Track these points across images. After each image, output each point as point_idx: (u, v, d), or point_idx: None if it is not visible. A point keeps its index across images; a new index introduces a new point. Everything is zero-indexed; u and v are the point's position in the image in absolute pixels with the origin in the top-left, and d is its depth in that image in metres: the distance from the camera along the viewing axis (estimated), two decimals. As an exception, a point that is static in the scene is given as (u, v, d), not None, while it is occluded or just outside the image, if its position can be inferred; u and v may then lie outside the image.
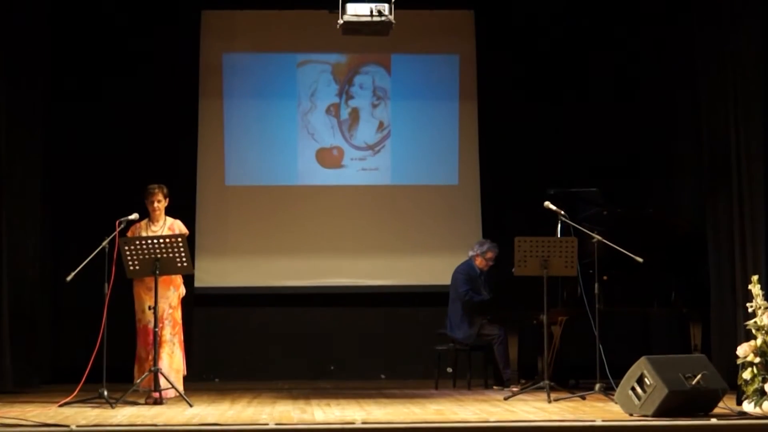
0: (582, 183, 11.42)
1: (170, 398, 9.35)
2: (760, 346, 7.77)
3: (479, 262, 11.51)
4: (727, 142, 10.31)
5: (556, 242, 9.67)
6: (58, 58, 12.32)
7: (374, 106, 13.55)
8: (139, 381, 9.28)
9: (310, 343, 13.05)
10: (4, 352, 10.59)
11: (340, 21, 9.61)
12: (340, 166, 13.46)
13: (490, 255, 11.52)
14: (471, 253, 11.59)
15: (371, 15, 9.52)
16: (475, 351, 11.43)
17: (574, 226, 10.03)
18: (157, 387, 9.10)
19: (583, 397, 9.39)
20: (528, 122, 13.05)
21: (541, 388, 9.46)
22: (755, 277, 8.08)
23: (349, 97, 13.54)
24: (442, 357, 11.63)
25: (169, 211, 9.83)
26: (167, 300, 9.59)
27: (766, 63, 9.92)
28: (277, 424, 7.19)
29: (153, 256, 9.06)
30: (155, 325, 9.19)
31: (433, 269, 12.96)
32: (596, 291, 9.54)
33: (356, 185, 13.43)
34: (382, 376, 13.02)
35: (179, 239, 9.13)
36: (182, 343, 9.75)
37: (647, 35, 12.74)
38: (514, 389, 10.23)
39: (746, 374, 7.78)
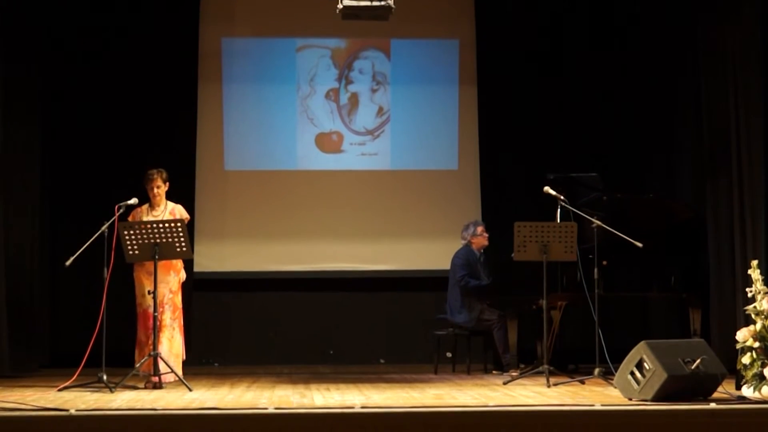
0: (582, 168, 11.41)
1: (170, 382, 9.37)
2: (760, 331, 7.77)
3: (476, 243, 11.52)
4: (727, 125, 10.29)
5: (556, 227, 9.67)
6: (55, 42, 12.31)
7: (374, 91, 13.54)
8: (138, 365, 9.30)
9: (309, 327, 13.07)
10: (1, 337, 10.58)
11: (340, 5, 9.57)
12: (339, 151, 13.45)
13: (480, 230, 11.54)
14: (464, 241, 11.59)
15: (371, 0, 9.50)
16: (475, 336, 11.43)
17: (573, 211, 10.02)
18: (156, 371, 9.12)
19: (582, 382, 9.41)
20: (528, 107, 13.06)
21: (540, 373, 9.47)
22: (755, 262, 8.08)
23: (349, 81, 13.53)
24: (442, 342, 11.64)
25: (168, 196, 9.85)
26: (167, 285, 9.60)
27: (766, 44, 9.89)
28: (276, 408, 7.19)
29: (152, 240, 9.05)
30: (155, 310, 9.20)
31: (433, 254, 12.98)
32: (596, 276, 9.54)
33: (355, 170, 13.43)
34: (382, 361, 13.04)
35: (179, 224, 9.13)
36: (182, 328, 9.77)
37: (648, 19, 12.70)
38: (514, 374, 10.23)
39: (745, 359, 7.79)
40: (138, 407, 7.39)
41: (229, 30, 13.37)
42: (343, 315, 13.19)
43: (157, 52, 12.74)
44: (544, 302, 9.55)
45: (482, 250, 11.59)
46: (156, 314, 9.21)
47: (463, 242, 11.60)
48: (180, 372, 9.41)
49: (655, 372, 7.57)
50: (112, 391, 8.55)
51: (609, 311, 10.48)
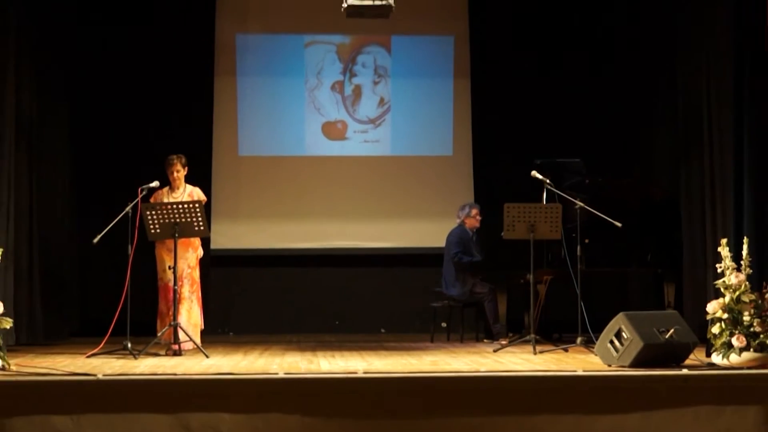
0: (566, 154, 11.39)
1: (188, 350, 9.38)
2: (728, 303, 7.76)
3: (469, 223, 11.51)
4: (700, 116, 10.28)
5: (542, 208, 9.66)
6: (82, 37, 12.29)
7: (375, 83, 13.52)
8: (160, 334, 9.31)
9: (316, 299, 13.07)
10: (35, 307, 10.61)
11: (345, 4, 9.56)
12: (343, 138, 13.44)
13: (475, 212, 11.53)
14: (459, 220, 11.59)
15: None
16: (468, 307, 11.45)
17: (558, 194, 10.00)
18: (176, 340, 9.14)
19: (566, 350, 9.41)
20: (517, 98, 13.02)
21: (527, 341, 9.47)
22: (724, 240, 8.06)
23: (353, 75, 13.51)
24: (437, 313, 11.65)
25: (188, 180, 9.84)
26: (186, 260, 9.61)
27: (737, 39, 9.85)
28: (286, 373, 7.21)
29: (172, 220, 9.06)
30: (175, 284, 9.21)
31: (429, 233, 12.99)
32: (579, 253, 9.55)
33: (359, 156, 13.42)
34: (382, 330, 13.04)
35: (197, 205, 9.13)
36: (200, 300, 9.77)
37: (628, 22, 12.64)
38: (503, 342, 10.23)
39: (715, 329, 7.78)
40: (159, 372, 7.41)
41: (243, 26, 13.34)
42: (348, 288, 13.19)
43: (177, 47, 12.68)
44: (531, 277, 9.56)
45: (474, 230, 11.59)
46: (176, 288, 9.22)
47: (458, 221, 11.59)
48: (198, 340, 9.43)
49: (632, 341, 7.58)
50: (135, 358, 8.57)
51: (590, 285, 10.45)
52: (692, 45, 10.46)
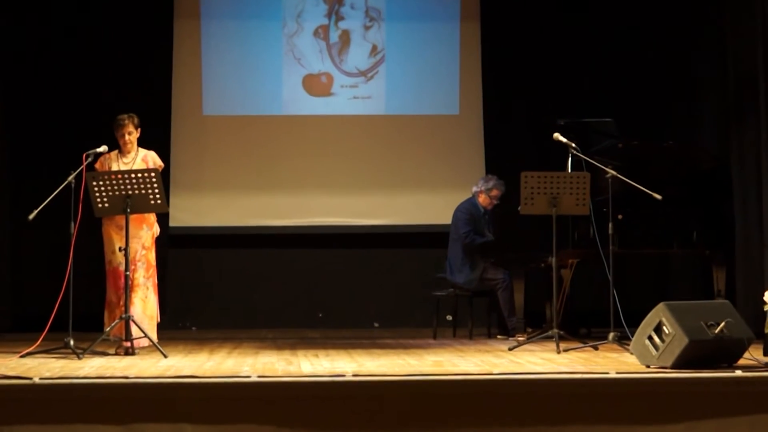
0: (595, 113, 11.37)
1: (143, 348, 9.35)
2: (790, 292, 7.79)
3: (483, 200, 11.48)
4: (754, 63, 10.27)
5: (567, 178, 9.62)
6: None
7: (367, 28, 13.50)
8: (108, 329, 9.26)
9: (296, 288, 13.09)
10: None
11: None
12: (329, 94, 13.43)
13: (495, 193, 11.49)
14: (475, 190, 11.56)
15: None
16: (478, 297, 11.44)
17: (586, 160, 9.96)
18: (128, 336, 9.09)
19: (596, 348, 9.40)
20: (536, 46, 13.01)
21: (549, 338, 9.46)
22: (784, 217, 8.07)
23: (340, 18, 13.48)
24: (441, 303, 11.63)
25: (142, 143, 9.76)
26: (140, 240, 9.56)
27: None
28: (260, 376, 7.19)
29: (124, 192, 8.99)
30: (126, 268, 9.16)
31: (432, 207, 13.01)
32: (610, 231, 9.50)
33: (347, 115, 13.42)
34: (376, 325, 13.07)
35: (152, 174, 9.06)
36: (156, 288, 9.73)
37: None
38: (520, 339, 10.23)
39: (774, 322, 7.80)
40: (108, 375, 7.38)
41: (208, -40, 13.34)
42: (334, 274, 13.21)
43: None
44: (553, 260, 9.52)
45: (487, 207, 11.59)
46: (128, 273, 9.17)
47: (474, 190, 11.51)
48: (154, 336, 9.39)
49: (675, 336, 7.57)
50: (79, 358, 8.54)
51: (625, 270, 10.49)
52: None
